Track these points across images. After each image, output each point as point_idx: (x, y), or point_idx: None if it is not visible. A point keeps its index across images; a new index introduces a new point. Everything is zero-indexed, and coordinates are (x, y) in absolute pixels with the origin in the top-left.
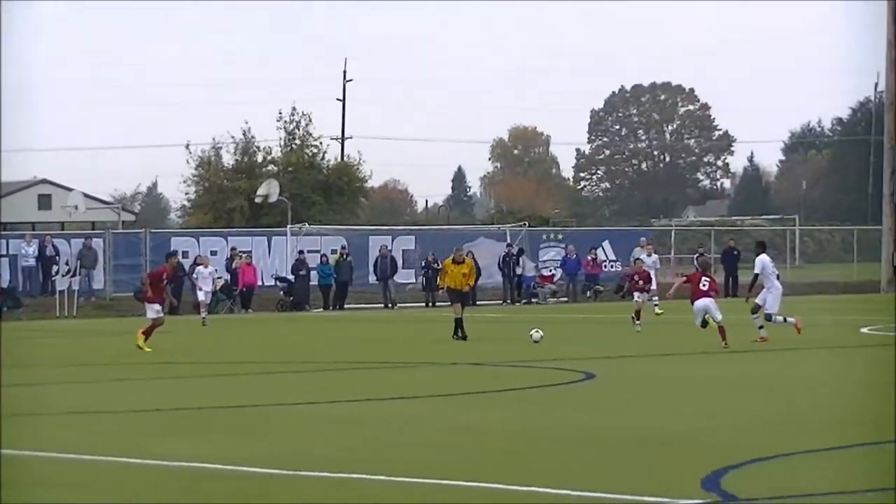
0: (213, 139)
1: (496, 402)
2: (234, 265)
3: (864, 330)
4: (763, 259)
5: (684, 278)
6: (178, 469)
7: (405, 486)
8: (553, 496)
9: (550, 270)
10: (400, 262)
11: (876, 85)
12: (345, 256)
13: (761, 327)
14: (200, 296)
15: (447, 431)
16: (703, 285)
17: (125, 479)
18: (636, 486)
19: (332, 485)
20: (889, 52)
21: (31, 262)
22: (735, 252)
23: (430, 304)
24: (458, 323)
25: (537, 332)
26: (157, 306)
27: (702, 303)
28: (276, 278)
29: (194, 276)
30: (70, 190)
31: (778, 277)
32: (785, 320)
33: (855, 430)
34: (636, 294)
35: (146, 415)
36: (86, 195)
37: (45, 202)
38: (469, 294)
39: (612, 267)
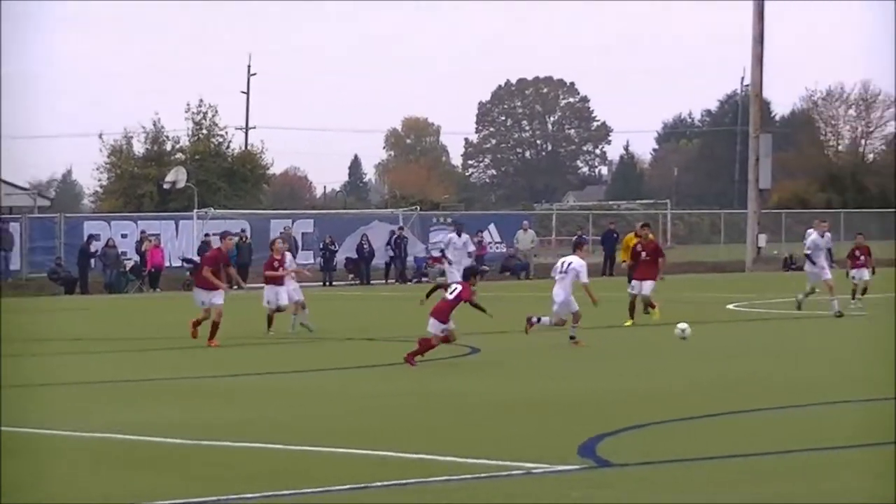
0: (125, 129)
1: (386, 374)
2: (143, 248)
3: (731, 306)
4: None
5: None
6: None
7: (311, 454)
8: (437, 462)
9: (440, 251)
10: (300, 244)
11: (742, 79)
12: (244, 240)
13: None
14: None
15: (352, 400)
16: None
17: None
18: (516, 452)
19: (250, 453)
20: (755, 48)
21: None
22: (615, 235)
23: (328, 283)
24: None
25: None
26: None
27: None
28: (183, 259)
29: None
30: None
31: None
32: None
33: (721, 399)
34: None
35: (66, 388)
36: (3, 181)
37: None
38: None
39: (496, 248)
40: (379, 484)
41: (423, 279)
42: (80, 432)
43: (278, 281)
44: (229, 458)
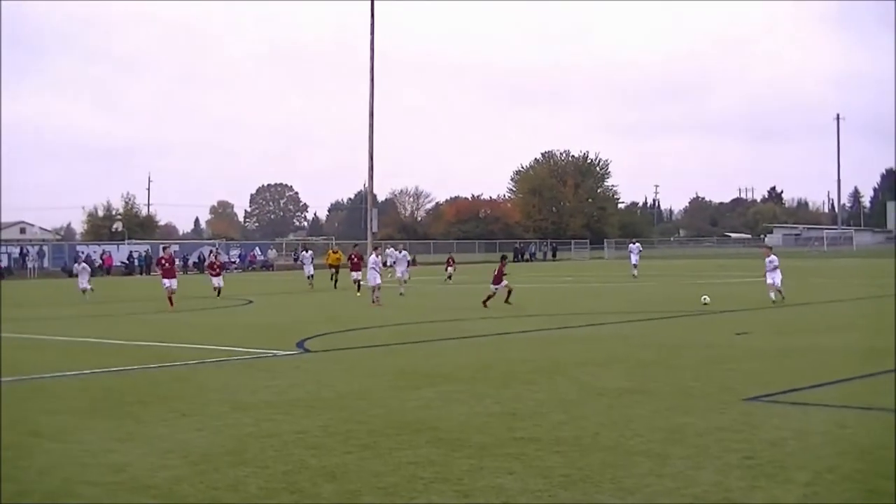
0: None
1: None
2: None
3: None
4: None
5: None
6: None
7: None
8: (219, 350)
9: None
10: None
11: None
12: None
13: None
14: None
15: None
16: None
17: None
18: (266, 344)
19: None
20: (369, 163)
21: None
22: None
23: None
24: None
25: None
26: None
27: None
28: None
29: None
30: None
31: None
32: None
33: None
34: None
35: None
36: None
37: None
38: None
39: None
40: (192, 361)
41: None
42: None
43: None
44: None
